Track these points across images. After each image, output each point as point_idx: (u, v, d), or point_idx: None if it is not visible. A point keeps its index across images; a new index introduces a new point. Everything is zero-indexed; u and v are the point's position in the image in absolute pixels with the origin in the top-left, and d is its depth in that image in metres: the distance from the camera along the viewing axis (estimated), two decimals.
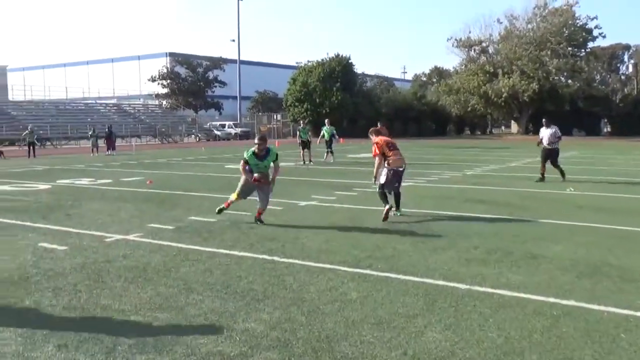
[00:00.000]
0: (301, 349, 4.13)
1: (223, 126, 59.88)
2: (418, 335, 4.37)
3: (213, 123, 62.38)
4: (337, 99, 55.16)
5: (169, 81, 67.62)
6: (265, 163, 8.83)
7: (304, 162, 22.02)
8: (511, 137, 56.53)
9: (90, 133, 34.16)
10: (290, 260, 6.61)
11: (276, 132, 61.88)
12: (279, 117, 65.21)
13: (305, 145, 22.50)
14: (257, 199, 9.06)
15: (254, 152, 8.79)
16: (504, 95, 54.57)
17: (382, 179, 9.61)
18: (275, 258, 6.74)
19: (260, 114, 68.45)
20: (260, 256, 6.84)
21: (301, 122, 26.82)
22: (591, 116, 60.96)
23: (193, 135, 58.51)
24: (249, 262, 6.58)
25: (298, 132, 23.43)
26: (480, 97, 57.68)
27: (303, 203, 11.15)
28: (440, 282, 5.71)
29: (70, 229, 8.44)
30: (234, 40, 65.12)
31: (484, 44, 60.15)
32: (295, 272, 6.09)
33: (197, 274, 6.08)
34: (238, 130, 58.75)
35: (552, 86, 55.23)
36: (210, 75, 69.17)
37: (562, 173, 14.94)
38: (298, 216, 9.70)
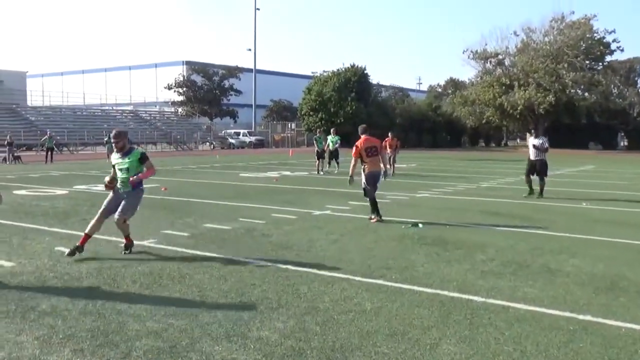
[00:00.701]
0: (315, 359, 4.12)
1: (238, 134, 60.17)
2: (433, 348, 4.34)
3: (228, 131, 62.72)
4: (352, 109, 55.22)
5: (185, 89, 68.15)
6: (127, 163, 7.33)
7: (318, 172, 22.05)
8: (526, 149, 56.14)
9: (105, 139, 34.48)
10: (305, 269, 6.61)
11: (290, 140, 62.09)
12: (293, 126, 65.43)
13: (321, 154, 22.51)
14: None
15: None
16: (519, 108, 54.25)
17: (364, 185, 10.20)
18: (290, 267, 6.74)
19: (274, 122, 68.75)
20: (275, 264, 6.85)
21: (317, 131, 26.74)
22: (608, 129, 60.43)
23: (208, 143, 58.85)
24: (263, 270, 6.59)
25: (314, 142, 23.34)
26: (495, 109, 57.39)
27: (317, 212, 11.16)
28: (455, 294, 5.68)
29: None
30: (250, 50, 65.61)
31: (500, 56, 59.91)
32: (310, 281, 6.09)
33: (212, 281, 6.10)
34: (252, 138, 59.00)
35: (568, 99, 54.86)
36: (226, 83, 69.62)
37: (531, 188, 14.06)
38: (312, 225, 9.71)
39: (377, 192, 10.35)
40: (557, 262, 7.12)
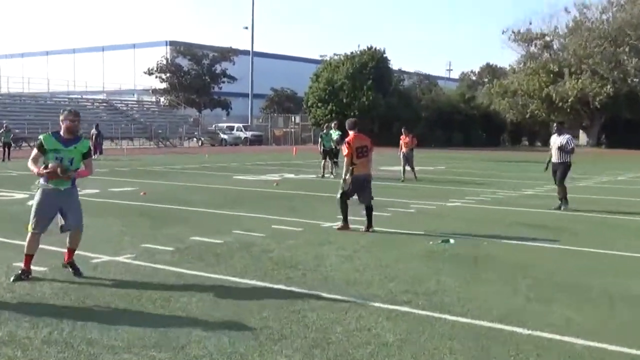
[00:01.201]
0: None
1: (231, 129, 60.39)
2: None
3: (219, 125, 62.97)
4: (368, 100, 55.36)
5: (168, 74, 68.56)
6: (71, 153, 6.95)
7: (323, 175, 22.04)
8: (579, 150, 55.89)
9: None
10: (313, 292, 6.60)
11: (293, 137, 62.23)
12: (297, 119, 65.59)
13: (327, 154, 22.43)
14: (65, 227, 7.12)
15: (57, 133, 7.05)
16: (570, 100, 54.19)
17: (346, 187, 10.48)
18: (295, 289, 6.73)
19: (275, 115, 68.95)
20: (277, 286, 6.84)
21: (324, 126, 26.59)
22: None
23: (195, 139, 59.06)
24: (262, 293, 6.58)
25: (320, 139, 23.28)
26: (541, 101, 57.39)
27: (327, 224, 11.16)
28: (495, 325, 5.65)
29: (51, 247, 8.50)
30: (247, 28, 65.96)
31: (547, 38, 59.95)
32: (319, 307, 6.07)
33: (201, 305, 6.09)
34: (248, 134, 59.21)
35: (630, 90, 54.68)
36: (218, 68, 69.96)
37: (564, 197, 13.74)
38: (321, 239, 9.70)
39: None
40: (618, 286, 7.07)
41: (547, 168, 14.44)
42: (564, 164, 13.86)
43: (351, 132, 10.76)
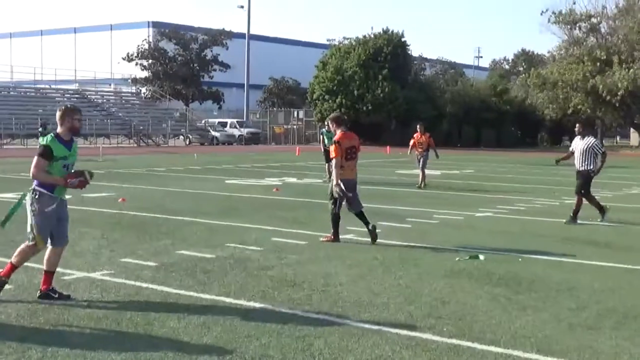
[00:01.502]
0: None
1: (224, 125, 60.48)
2: None
3: (210, 120, 63.02)
4: (384, 92, 55.37)
5: (151, 61, 68.63)
6: (73, 158, 7.08)
7: (330, 178, 22.05)
8: (630, 151, 55.91)
9: (40, 130, 34.79)
10: (320, 316, 6.61)
11: (296, 134, 62.26)
12: (301, 114, 65.60)
13: (329, 154, 22.45)
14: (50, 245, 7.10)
15: (58, 136, 6.93)
16: (620, 93, 53.94)
17: (337, 193, 10.54)
18: (298, 312, 6.75)
19: (275, 109, 69.01)
20: (277, 309, 6.86)
21: (327, 122, 26.55)
22: None
23: (182, 137, 59.16)
24: (261, 316, 6.60)
25: (322, 137, 23.37)
26: (586, 95, 57.10)
27: None
28: (534, 356, 5.65)
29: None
30: (242, 7, 66.01)
31: (593, 20, 59.70)
32: (327, 334, 6.09)
33: (190, 330, 6.12)
34: (244, 131, 59.26)
35: None
36: (208, 54, 70.00)
37: (600, 208, 13.67)
38: (329, 254, 9.73)
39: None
40: None
41: (558, 162, 15.52)
42: (586, 172, 13.59)
43: (339, 130, 10.84)
